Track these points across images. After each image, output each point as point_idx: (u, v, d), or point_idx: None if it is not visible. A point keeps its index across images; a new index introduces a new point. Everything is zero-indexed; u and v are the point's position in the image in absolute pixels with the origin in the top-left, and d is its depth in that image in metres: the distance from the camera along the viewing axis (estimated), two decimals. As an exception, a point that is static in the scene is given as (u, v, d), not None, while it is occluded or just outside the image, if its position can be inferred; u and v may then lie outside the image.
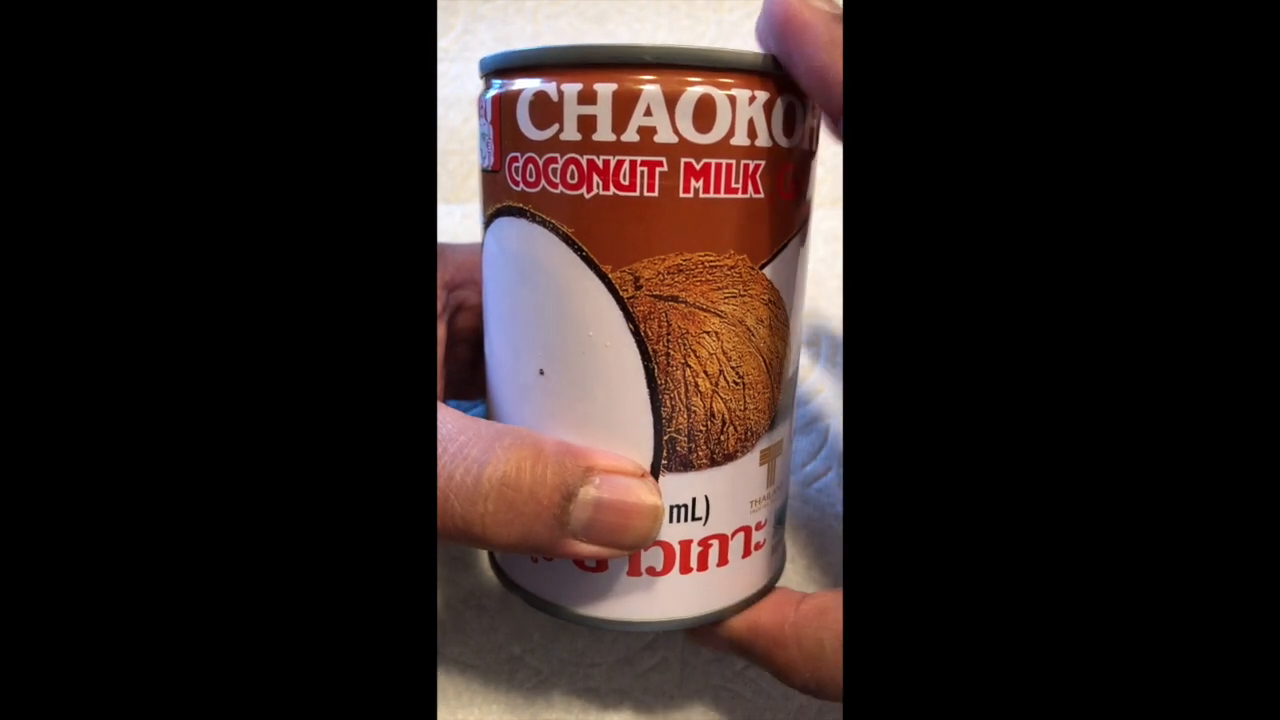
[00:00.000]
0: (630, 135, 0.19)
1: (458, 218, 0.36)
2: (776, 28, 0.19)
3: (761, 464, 0.22)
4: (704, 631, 0.24)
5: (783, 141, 0.20)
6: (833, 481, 0.32)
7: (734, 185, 0.19)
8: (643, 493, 0.20)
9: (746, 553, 0.23)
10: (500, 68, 0.21)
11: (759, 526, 0.23)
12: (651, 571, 0.22)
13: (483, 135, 0.21)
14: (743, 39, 0.34)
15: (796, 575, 0.31)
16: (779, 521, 0.24)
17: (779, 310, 0.21)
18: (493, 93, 0.20)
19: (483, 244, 0.22)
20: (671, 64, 0.19)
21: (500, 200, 0.21)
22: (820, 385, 0.33)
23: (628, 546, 0.20)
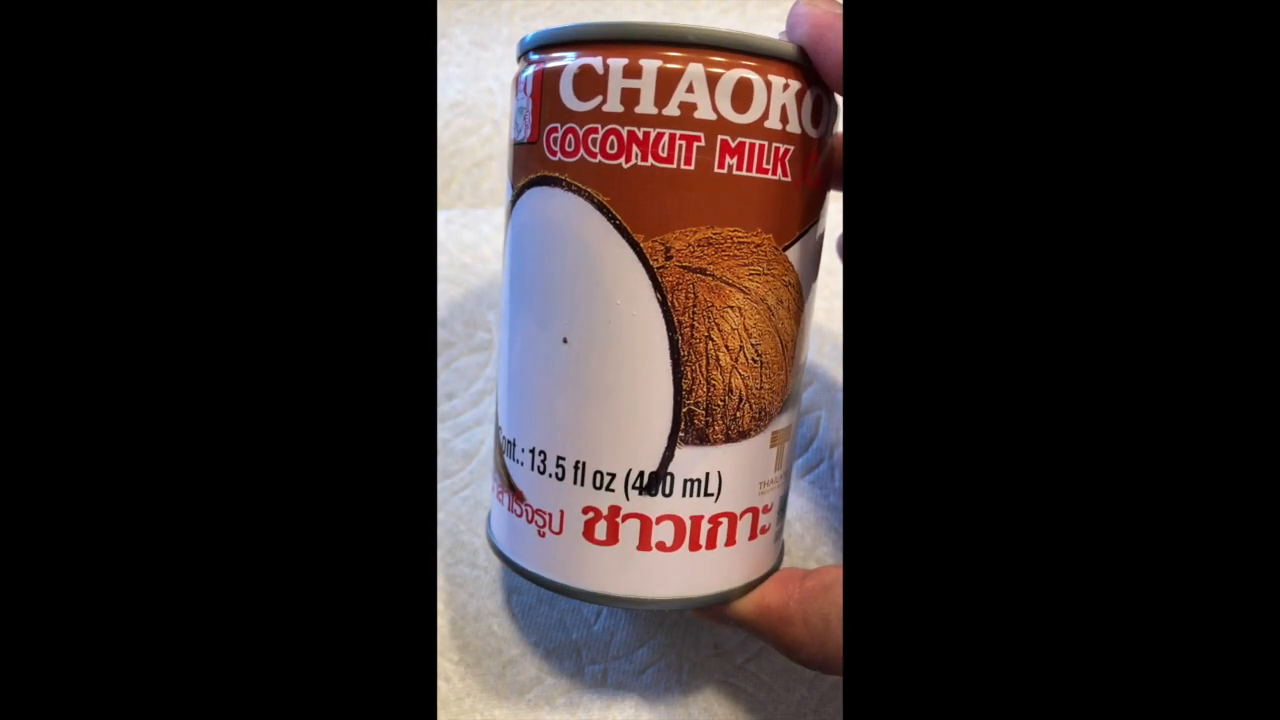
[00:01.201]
0: (671, 110, 0.19)
1: (440, 221, 0.36)
2: (804, 28, 0.20)
3: (772, 446, 0.23)
4: (711, 610, 0.24)
5: (810, 130, 0.21)
6: (825, 474, 0.33)
7: (765, 166, 0.20)
8: None
9: (753, 535, 0.23)
10: (543, 44, 0.21)
11: (766, 510, 0.23)
12: (662, 547, 0.22)
13: (519, 109, 0.22)
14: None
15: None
16: (782, 510, 0.25)
17: (797, 294, 0.22)
18: (534, 67, 0.21)
19: (507, 217, 0.23)
20: (713, 45, 0.19)
21: (534, 171, 0.21)
22: (810, 377, 0.33)
23: None
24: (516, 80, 0.22)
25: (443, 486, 0.32)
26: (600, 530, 0.22)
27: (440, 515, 0.32)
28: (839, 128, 0.23)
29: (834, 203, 0.27)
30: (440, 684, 0.30)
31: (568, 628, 0.31)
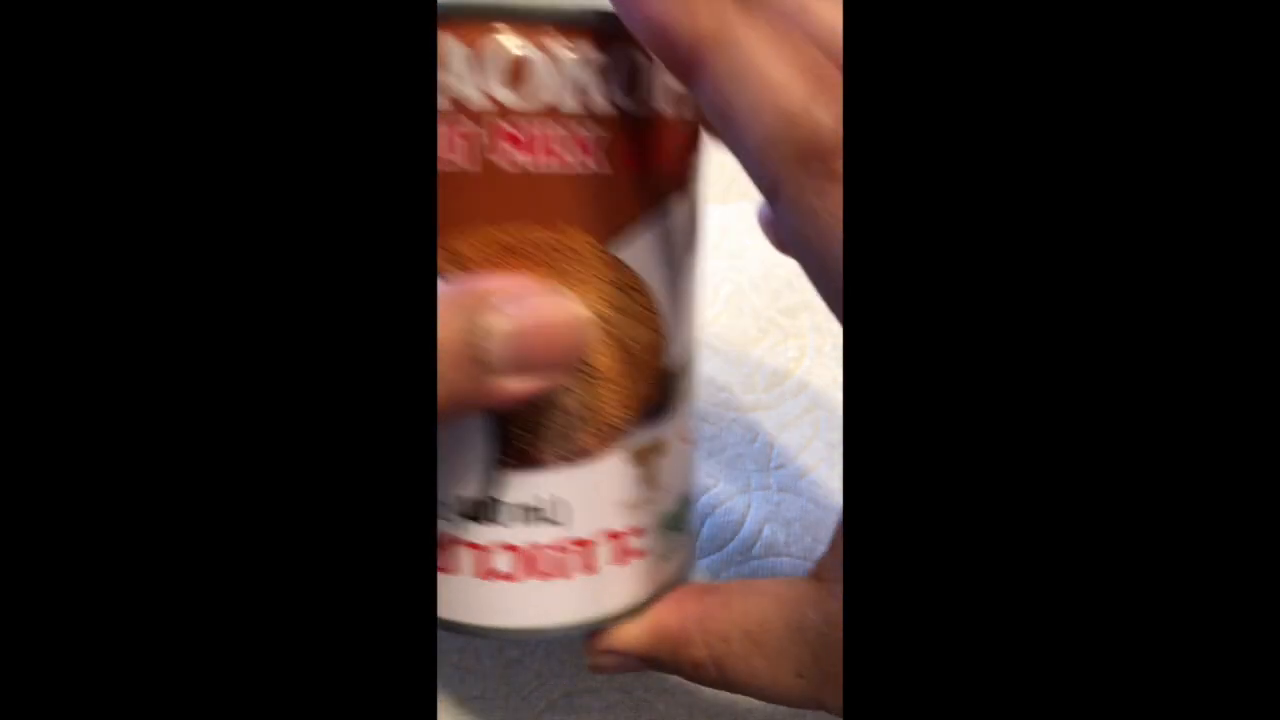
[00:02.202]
0: (440, 102, 0.17)
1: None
2: None
3: (635, 465, 0.20)
4: (600, 653, 0.22)
5: (628, 107, 0.17)
6: (825, 474, 0.29)
7: (567, 158, 0.17)
8: (556, 302, 0.18)
9: (620, 560, 0.21)
10: None
11: (635, 532, 0.21)
12: (504, 576, 0.20)
13: None
14: None
15: (792, 570, 0.29)
16: (673, 528, 0.22)
17: (640, 295, 0.19)
18: None
19: None
20: (477, 16, 0.17)
21: None
22: (809, 379, 0.30)
23: (560, 366, 0.18)
24: None
25: (439, 470, 0.33)
26: (442, 558, 0.21)
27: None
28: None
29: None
30: (440, 684, 0.30)
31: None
